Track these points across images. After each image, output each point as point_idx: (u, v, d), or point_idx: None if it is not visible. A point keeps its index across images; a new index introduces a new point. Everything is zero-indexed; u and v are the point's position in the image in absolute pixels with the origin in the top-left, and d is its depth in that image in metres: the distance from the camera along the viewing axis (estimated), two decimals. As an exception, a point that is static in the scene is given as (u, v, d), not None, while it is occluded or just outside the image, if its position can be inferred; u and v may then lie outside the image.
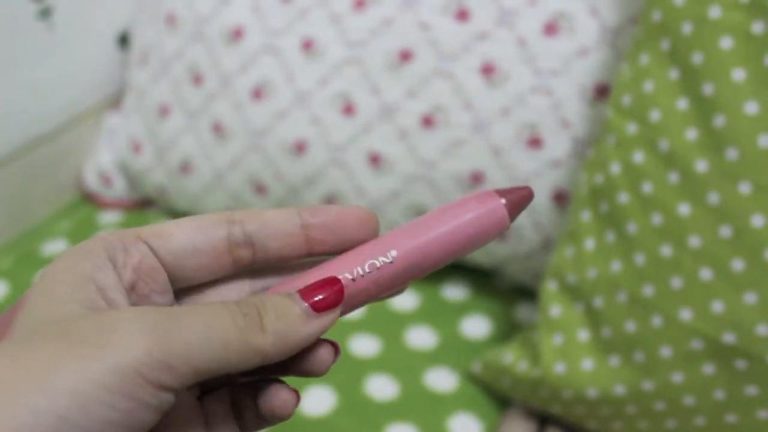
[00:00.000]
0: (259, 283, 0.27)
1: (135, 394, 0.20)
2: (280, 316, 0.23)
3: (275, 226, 0.26)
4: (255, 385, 0.26)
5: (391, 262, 0.25)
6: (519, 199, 0.26)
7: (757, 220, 0.44)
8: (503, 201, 0.26)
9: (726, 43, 0.46)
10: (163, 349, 0.20)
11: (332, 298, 0.24)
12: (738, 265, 0.45)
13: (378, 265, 0.25)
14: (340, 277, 0.25)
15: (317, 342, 0.25)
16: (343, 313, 0.25)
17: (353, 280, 0.25)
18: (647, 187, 0.50)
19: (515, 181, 0.63)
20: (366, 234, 0.26)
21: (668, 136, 0.49)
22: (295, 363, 0.25)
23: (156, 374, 0.20)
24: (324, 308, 0.24)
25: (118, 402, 0.19)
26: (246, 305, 0.23)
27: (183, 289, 0.26)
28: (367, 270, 0.25)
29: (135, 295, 0.24)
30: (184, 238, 0.25)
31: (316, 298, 0.24)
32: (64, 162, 0.82)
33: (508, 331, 0.68)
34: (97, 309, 0.22)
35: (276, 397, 0.25)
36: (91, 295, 0.22)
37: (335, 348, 0.26)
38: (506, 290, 0.73)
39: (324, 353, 0.25)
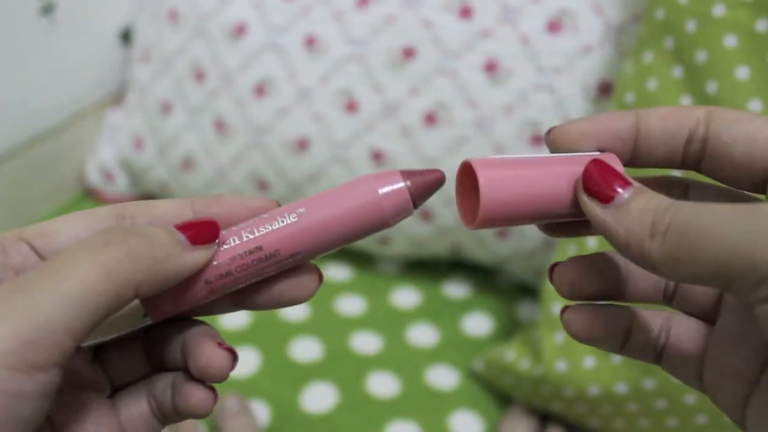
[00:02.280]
0: None
1: (4, 386, 0.18)
2: (154, 242, 0.21)
3: (166, 219, 0.24)
4: (171, 377, 0.25)
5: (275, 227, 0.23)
6: (426, 183, 0.23)
7: (760, 219, 0.44)
8: (408, 183, 0.23)
9: (730, 41, 0.46)
10: (18, 330, 0.18)
11: (209, 231, 0.23)
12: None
13: (257, 232, 0.23)
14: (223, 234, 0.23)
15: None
16: (229, 281, 0.23)
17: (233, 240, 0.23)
18: (650, 186, 0.49)
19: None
20: None
21: (671, 134, 0.49)
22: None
23: (21, 359, 0.18)
24: (200, 240, 0.22)
25: None
26: (111, 232, 0.21)
27: None
28: (247, 235, 0.23)
29: None
30: (68, 236, 0.23)
31: (193, 231, 0.22)
32: (66, 158, 0.82)
33: (509, 329, 0.68)
34: None
35: (193, 396, 0.24)
36: None
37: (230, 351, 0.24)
38: (508, 288, 0.73)
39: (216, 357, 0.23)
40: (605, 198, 0.22)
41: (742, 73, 0.46)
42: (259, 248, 0.23)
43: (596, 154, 0.24)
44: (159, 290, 0.22)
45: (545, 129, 0.61)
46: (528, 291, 0.71)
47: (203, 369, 0.23)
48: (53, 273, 0.19)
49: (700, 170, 0.24)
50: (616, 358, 0.51)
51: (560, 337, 0.55)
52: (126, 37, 0.85)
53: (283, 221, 0.23)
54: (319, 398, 0.60)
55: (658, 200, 0.21)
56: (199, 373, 0.23)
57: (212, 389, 0.24)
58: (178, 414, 0.24)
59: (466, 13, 0.62)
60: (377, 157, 0.66)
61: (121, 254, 0.20)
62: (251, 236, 0.23)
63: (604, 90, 0.60)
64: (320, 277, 0.25)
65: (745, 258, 0.18)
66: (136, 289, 0.20)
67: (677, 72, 0.49)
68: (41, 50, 0.75)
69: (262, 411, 0.59)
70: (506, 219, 0.23)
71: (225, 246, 0.23)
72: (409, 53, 0.64)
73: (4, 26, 0.70)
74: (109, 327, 0.24)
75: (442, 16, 0.63)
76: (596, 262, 0.25)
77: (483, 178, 0.22)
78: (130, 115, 0.80)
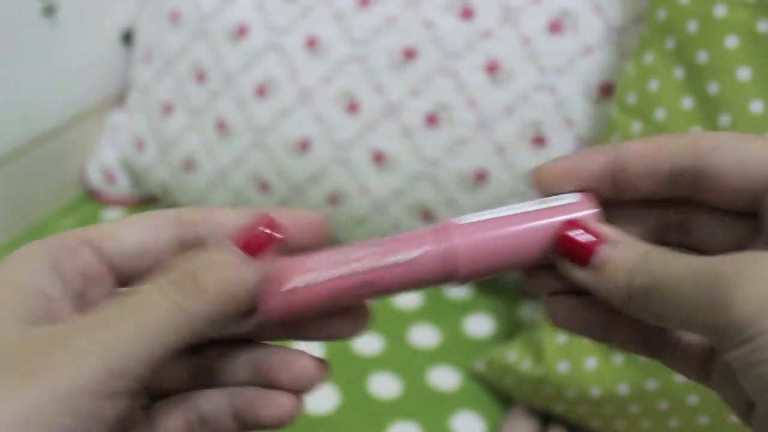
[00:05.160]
0: None
1: (88, 410, 0.19)
2: (218, 274, 0.22)
3: (228, 228, 0.24)
4: (227, 393, 0.25)
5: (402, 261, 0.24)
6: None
7: (762, 220, 0.44)
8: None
9: (731, 42, 0.46)
10: (106, 363, 0.19)
11: (269, 238, 0.23)
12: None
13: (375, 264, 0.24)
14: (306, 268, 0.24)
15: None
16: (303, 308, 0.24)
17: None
18: (652, 186, 0.49)
19: (519, 179, 0.63)
20: (319, 240, 0.25)
21: (673, 135, 0.49)
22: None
23: (106, 386, 0.19)
24: (259, 249, 0.22)
25: (71, 423, 0.19)
26: (179, 275, 0.21)
27: None
28: (363, 266, 0.24)
29: (85, 300, 0.23)
30: (134, 240, 0.24)
31: (251, 243, 0.22)
32: (68, 159, 0.82)
33: (511, 329, 0.68)
34: (41, 324, 0.21)
35: (282, 405, 0.24)
36: (36, 308, 0.21)
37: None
38: (509, 289, 0.73)
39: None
40: (581, 262, 0.23)
41: (744, 73, 0.46)
42: (371, 283, 0.24)
43: (575, 196, 0.24)
44: (235, 314, 0.22)
45: (546, 129, 0.61)
46: (529, 292, 0.71)
47: (298, 377, 0.24)
48: (137, 313, 0.21)
49: (692, 199, 0.24)
50: (618, 359, 0.51)
51: (562, 337, 0.55)
52: (127, 38, 0.85)
53: (397, 261, 0.24)
54: (320, 399, 0.60)
55: (631, 255, 0.22)
56: (293, 382, 0.24)
57: (299, 397, 0.25)
58: (258, 425, 0.25)
59: (467, 13, 0.62)
60: (378, 158, 0.66)
61: (196, 297, 0.21)
62: (368, 267, 0.24)
63: (606, 91, 0.60)
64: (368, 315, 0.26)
65: (703, 319, 0.19)
66: (213, 323, 0.22)
67: (679, 73, 0.49)
68: (43, 51, 0.75)
69: (263, 412, 0.59)
70: (485, 276, 0.25)
71: (343, 271, 0.24)
72: (410, 54, 0.64)
73: (6, 27, 0.70)
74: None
75: (443, 17, 0.63)
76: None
77: (462, 246, 0.24)
78: (131, 116, 0.80)
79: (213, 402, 0.25)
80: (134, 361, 0.20)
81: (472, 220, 0.24)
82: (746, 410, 0.22)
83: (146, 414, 0.25)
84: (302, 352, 0.25)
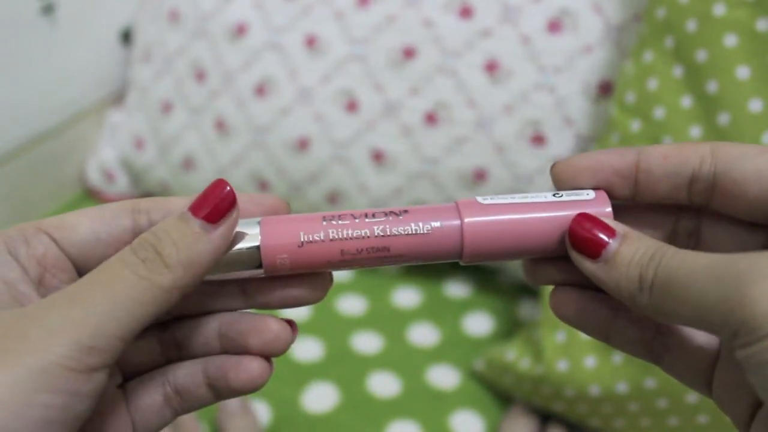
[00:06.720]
0: None
1: (66, 386, 0.19)
2: (179, 244, 0.22)
3: None
4: (202, 363, 0.25)
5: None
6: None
7: (761, 218, 0.44)
8: None
9: (730, 40, 0.46)
10: (79, 338, 0.20)
11: (224, 203, 0.23)
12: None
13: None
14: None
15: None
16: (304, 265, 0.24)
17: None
18: (651, 185, 0.50)
19: (518, 178, 0.63)
20: None
21: (672, 133, 0.49)
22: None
23: (81, 361, 0.20)
24: (219, 216, 0.23)
25: (50, 400, 0.19)
26: (142, 248, 0.22)
27: None
28: (379, 233, 0.24)
29: (43, 288, 0.24)
30: (86, 230, 0.24)
31: (207, 209, 0.23)
32: (67, 158, 0.82)
33: (510, 328, 0.68)
34: (4, 308, 0.22)
35: (253, 369, 0.25)
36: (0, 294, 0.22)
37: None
38: (509, 287, 0.73)
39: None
40: (593, 255, 0.23)
41: (743, 72, 0.46)
42: (387, 249, 0.25)
43: (589, 193, 0.25)
44: (200, 280, 0.23)
45: (546, 128, 0.61)
46: (529, 290, 0.71)
47: (268, 341, 0.25)
48: (103, 287, 0.21)
49: (709, 207, 0.24)
50: (617, 358, 0.51)
51: (561, 336, 0.55)
52: (126, 37, 0.85)
53: (416, 230, 0.25)
54: (320, 398, 0.60)
55: (643, 250, 0.22)
56: (265, 347, 0.25)
57: (269, 361, 0.25)
58: (231, 391, 0.25)
59: (466, 12, 0.62)
60: (378, 157, 0.66)
61: (160, 269, 0.22)
62: (383, 235, 0.24)
63: (605, 89, 0.60)
64: (330, 282, 0.27)
65: (717, 315, 0.19)
66: (181, 292, 0.22)
67: (678, 71, 0.49)
68: (42, 50, 0.75)
69: (263, 411, 0.59)
70: (490, 258, 0.25)
71: (358, 233, 0.24)
72: (409, 53, 0.64)
73: (5, 26, 0.70)
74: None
75: (443, 16, 0.63)
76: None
77: (468, 225, 0.24)
78: (130, 115, 0.80)
79: (186, 374, 0.25)
80: (106, 335, 0.20)
81: (492, 202, 0.25)
82: (747, 419, 0.22)
83: (123, 392, 0.25)
84: (270, 317, 0.25)
